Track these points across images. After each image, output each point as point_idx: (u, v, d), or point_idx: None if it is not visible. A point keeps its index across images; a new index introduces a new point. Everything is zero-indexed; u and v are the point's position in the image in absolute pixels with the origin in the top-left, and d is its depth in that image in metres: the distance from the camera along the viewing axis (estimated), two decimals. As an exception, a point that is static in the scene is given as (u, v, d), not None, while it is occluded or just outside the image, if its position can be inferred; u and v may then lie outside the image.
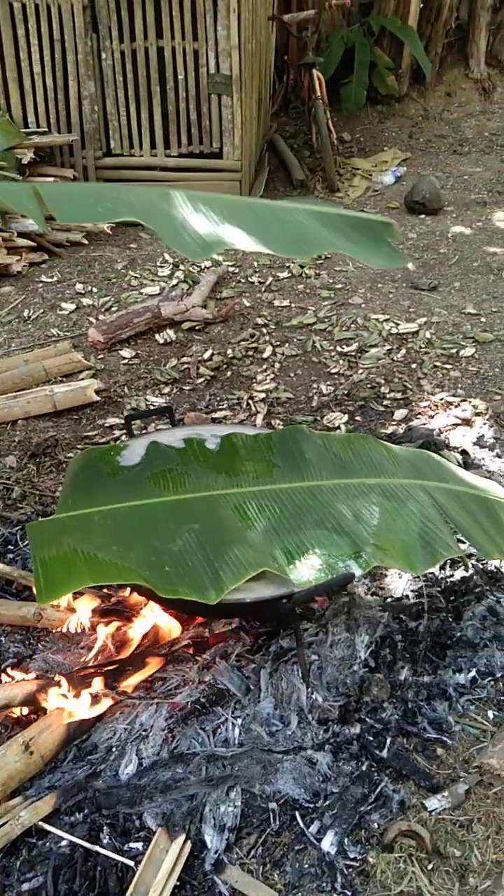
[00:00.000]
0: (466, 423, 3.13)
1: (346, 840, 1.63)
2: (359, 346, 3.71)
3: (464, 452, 2.92)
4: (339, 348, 3.70)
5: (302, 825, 1.66)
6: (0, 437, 3.07)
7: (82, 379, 3.40)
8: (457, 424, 3.12)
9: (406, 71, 7.30)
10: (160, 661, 2.01)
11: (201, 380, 3.47)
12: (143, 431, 2.98)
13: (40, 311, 4.06)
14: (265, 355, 3.65)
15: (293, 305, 4.10)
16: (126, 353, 3.65)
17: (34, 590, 1.82)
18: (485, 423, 3.13)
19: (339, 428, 3.13)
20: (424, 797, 1.72)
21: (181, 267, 4.44)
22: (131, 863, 1.57)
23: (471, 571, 2.32)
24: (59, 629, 2.12)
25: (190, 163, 5.48)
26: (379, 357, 3.62)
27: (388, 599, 2.26)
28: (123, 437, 2.97)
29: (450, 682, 1.98)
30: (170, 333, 3.78)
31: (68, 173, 5.22)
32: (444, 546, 1.87)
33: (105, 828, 1.64)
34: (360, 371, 3.52)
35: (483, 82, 7.53)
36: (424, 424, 3.13)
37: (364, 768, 1.77)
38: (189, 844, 1.60)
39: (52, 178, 4.99)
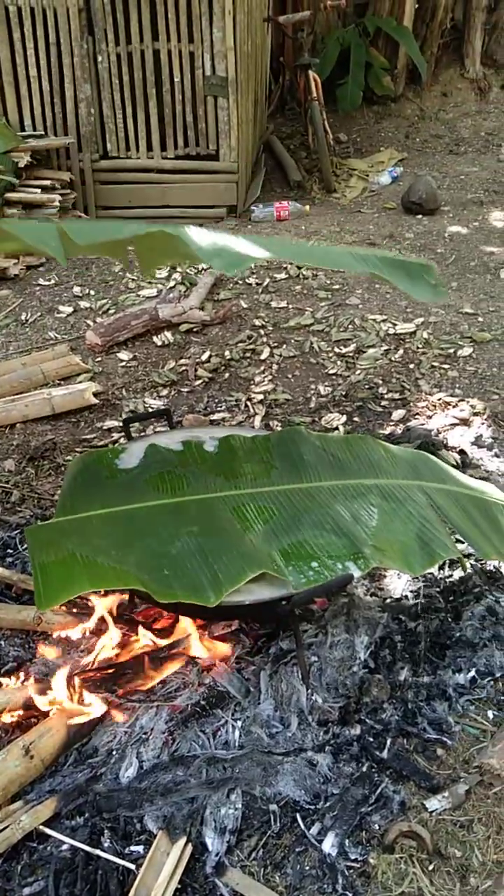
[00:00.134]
0: (464, 422, 3.13)
1: (346, 841, 1.63)
2: (356, 346, 3.71)
3: (462, 452, 2.92)
4: (336, 349, 3.70)
5: (303, 827, 1.66)
6: (-2, 440, 3.07)
7: (80, 382, 3.40)
8: (455, 424, 3.13)
9: (402, 71, 7.31)
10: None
11: (199, 382, 3.47)
12: (142, 434, 2.98)
13: (38, 315, 4.06)
14: (263, 357, 3.65)
15: (290, 306, 4.10)
16: (124, 355, 3.65)
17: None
18: (483, 423, 3.13)
19: (337, 429, 3.13)
20: (425, 798, 1.72)
21: (178, 269, 4.44)
22: (132, 866, 1.57)
23: (469, 571, 2.32)
24: (59, 632, 2.12)
25: (186, 165, 5.49)
26: (377, 357, 3.62)
27: (388, 600, 2.26)
28: (122, 440, 2.97)
29: (449, 682, 1.99)
30: (167, 335, 3.78)
31: (65, 176, 5.23)
32: (442, 547, 1.87)
33: (106, 831, 1.64)
34: (358, 372, 3.52)
35: (479, 82, 7.54)
36: (422, 425, 3.13)
37: (364, 769, 1.77)
38: (190, 847, 1.60)
39: (48, 182, 4.99)
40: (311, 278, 4.41)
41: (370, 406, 3.29)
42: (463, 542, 2.06)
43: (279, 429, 3.05)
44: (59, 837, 1.63)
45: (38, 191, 4.90)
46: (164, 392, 3.41)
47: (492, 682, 2.00)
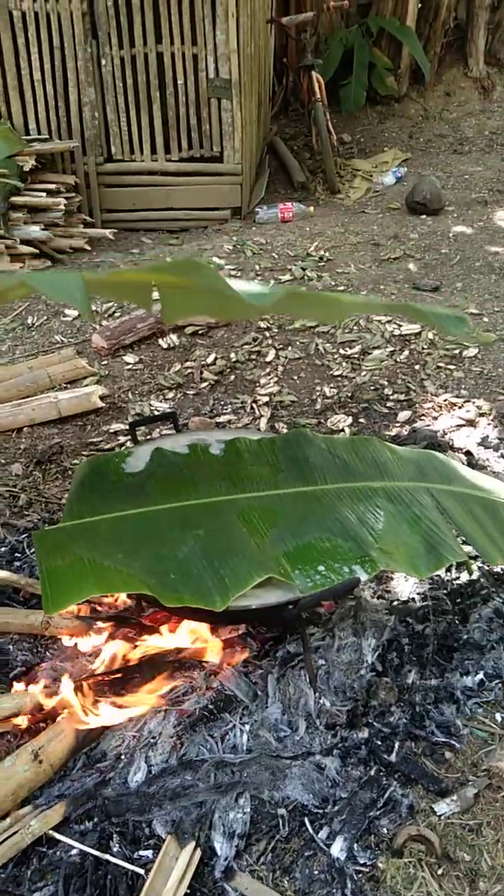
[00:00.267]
0: (470, 423, 3.13)
1: (355, 845, 1.63)
2: (361, 348, 3.71)
3: (468, 453, 2.91)
4: (341, 350, 3.70)
5: (311, 831, 1.66)
6: (5, 444, 3.08)
7: (86, 385, 3.41)
8: (461, 425, 3.12)
9: (405, 71, 7.30)
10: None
11: (205, 384, 3.47)
12: (148, 437, 2.99)
13: (44, 318, 4.07)
14: (268, 359, 3.65)
15: (296, 308, 4.10)
16: (130, 358, 3.66)
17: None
18: (489, 424, 3.13)
19: (342, 430, 3.13)
20: (433, 801, 1.71)
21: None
22: (141, 871, 1.57)
23: (476, 574, 2.32)
24: (68, 636, 2.13)
25: (190, 167, 5.50)
26: (382, 359, 3.62)
27: (395, 603, 2.26)
28: (128, 444, 2.98)
29: (457, 685, 1.98)
30: (173, 338, 3.79)
31: (70, 180, 5.24)
32: (448, 550, 1.87)
33: (115, 836, 1.64)
34: (364, 373, 3.52)
35: (482, 81, 7.53)
36: (428, 426, 3.13)
37: (372, 773, 1.76)
38: (199, 852, 1.60)
39: (53, 186, 5.01)
40: (316, 280, 4.41)
41: (376, 407, 3.29)
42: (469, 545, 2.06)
43: (285, 431, 3.06)
44: (68, 842, 1.63)
45: (44, 194, 4.91)
46: (170, 395, 3.41)
47: (500, 685, 1.99)
